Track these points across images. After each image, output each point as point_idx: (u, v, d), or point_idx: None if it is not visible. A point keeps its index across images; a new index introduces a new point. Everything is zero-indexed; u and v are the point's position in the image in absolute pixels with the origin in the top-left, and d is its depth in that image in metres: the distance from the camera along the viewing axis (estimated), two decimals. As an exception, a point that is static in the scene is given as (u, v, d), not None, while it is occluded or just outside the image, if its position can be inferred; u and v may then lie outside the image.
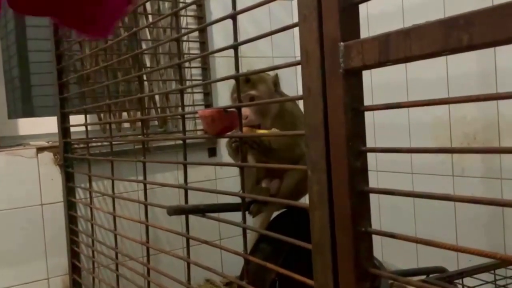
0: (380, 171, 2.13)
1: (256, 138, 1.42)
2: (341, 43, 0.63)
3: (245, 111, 1.49)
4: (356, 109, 0.64)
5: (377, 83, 1.96)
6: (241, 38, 0.92)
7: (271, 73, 1.62)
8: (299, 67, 0.71)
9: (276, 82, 1.60)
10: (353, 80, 0.64)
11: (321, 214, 0.69)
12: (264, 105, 1.53)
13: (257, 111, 1.52)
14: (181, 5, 2.32)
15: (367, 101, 0.65)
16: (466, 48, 0.48)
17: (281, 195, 1.53)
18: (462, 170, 1.92)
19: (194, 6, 2.41)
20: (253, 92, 1.53)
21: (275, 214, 1.68)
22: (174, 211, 1.19)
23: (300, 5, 0.69)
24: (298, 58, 0.71)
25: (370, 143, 0.63)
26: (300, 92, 0.71)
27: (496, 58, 1.76)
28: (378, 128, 2.12)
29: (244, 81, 1.51)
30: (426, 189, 2.00)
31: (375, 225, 0.65)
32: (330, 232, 0.67)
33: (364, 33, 0.63)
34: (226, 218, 1.08)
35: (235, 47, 0.91)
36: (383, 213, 2.04)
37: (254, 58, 2.47)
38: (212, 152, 2.46)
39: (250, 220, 1.47)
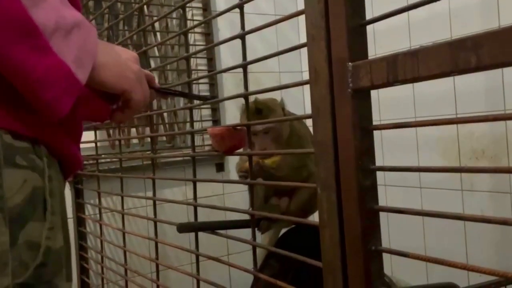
0: (389, 185, 2.13)
1: (261, 167, 1.43)
2: (350, 63, 0.63)
3: (263, 145, 1.48)
4: (364, 128, 0.65)
5: (385, 96, 1.96)
6: (248, 53, 0.94)
7: (281, 94, 1.62)
8: (307, 85, 0.72)
9: (283, 106, 1.60)
10: (361, 100, 0.64)
11: (331, 232, 0.69)
12: (278, 133, 1.53)
13: (273, 141, 1.51)
14: (188, 21, 2.35)
15: (374, 114, 0.65)
16: (474, 69, 0.48)
17: (290, 213, 1.53)
18: (471, 184, 1.91)
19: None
20: (268, 125, 1.51)
21: (283, 230, 1.69)
22: (184, 228, 1.19)
23: (308, 26, 0.70)
24: (305, 73, 0.72)
25: (378, 157, 0.64)
26: (308, 109, 0.72)
27: (503, 73, 1.76)
28: (385, 142, 2.12)
29: (255, 113, 1.49)
30: (435, 203, 2.01)
31: (384, 239, 0.65)
32: (341, 250, 0.68)
33: (371, 48, 0.64)
34: (235, 234, 1.08)
35: (244, 66, 0.92)
36: (392, 227, 2.03)
37: (260, 73, 2.49)
38: (220, 167, 2.47)
39: (258, 236, 1.47)
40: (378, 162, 0.64)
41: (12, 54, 0.52)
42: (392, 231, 2.03)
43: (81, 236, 2.07)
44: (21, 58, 0.52)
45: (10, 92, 0.55)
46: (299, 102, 2.46)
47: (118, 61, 0.67)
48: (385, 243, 0.64)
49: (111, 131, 2.20)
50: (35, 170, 0.58)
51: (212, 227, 1.21)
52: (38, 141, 0.59)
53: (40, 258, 0.57)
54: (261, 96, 1.61)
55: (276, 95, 1.68)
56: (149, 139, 2.08)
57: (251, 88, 0.94)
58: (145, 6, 2.21)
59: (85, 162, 2.10)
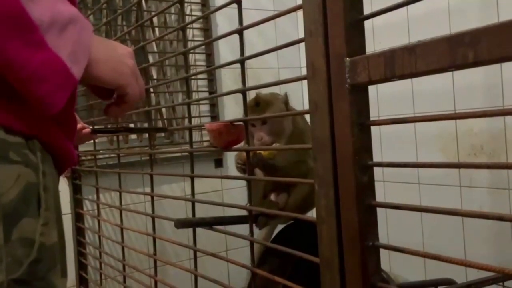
0: (387, 181, 2.13)
1: (260, 158, 1.43)
2: (347, 58, 0.63)
3: (259, 133, 1.49)
4: (362, 124, 0.64)
5: (383, 92, 1.96)
6: (246, 48, 0.93)
7: (280, 90, 1.62)
8: (305, 80, 0.72)
9: (286, 101, 1.60)
10: (359, 95, 0.64)
11: (329, 228, 0.69)
12: (277, 125, 1.53)
13: (270, 132, 1.52)
14: (186, 17, 2.34)
15: (373, 111, 0.65)
16: (471, 65, 0.48)
17: (288, 209, 1.53)
18: (470, 180, 1.91)
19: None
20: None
21: (280, 226, 1.68)
22: (181, 224, 1.19)
23: (306, 21, 0.69)
24: (304, 69, 0.72)
25: (376, 154, 0.64)
26: (306, 105, 0.71)
27: (502, 69, 1.76)
28: (384, 139, 2.12)
29: (254, 105, 1.50)
30: (433, 199, 2.01)
31: (382, 235, 0.65)
32: (338, 246, 0.68)
33: (369, 44, 0.64)
34: (233, 230, 1.08)
35: (241, 61, 0.92)
36: (390, 223, 2.03)
37: (259, 69, 2.48)
38: (218, 163, 2.47)
39: (255, 231, 1.47)
40: (377, 159, 0.64)
41: (6, 49, 0.52)
42: (391, 228, 2.03)
43: (79, 231, 2.07)
44: (15, 53, 0.52)
45: (3, 87, 0.55)
46: (298, 98, 2.45)
47: (113, 56, 0.67)
48: (383, 240, 0.64)
49: (109, 127, 2.19)
50: (29, 166, 0.58)
51: (210, 223, 1.21)
52: (32, 136, 0.59)
53: (34, 254, 0.57)
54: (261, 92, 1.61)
55: (275, 90, 1.68)
56: (147, 135, 2.08)
57: (250, 84, 0.94)
58: (143, 1, 2.20)
59: (83, 158, 2.10)
